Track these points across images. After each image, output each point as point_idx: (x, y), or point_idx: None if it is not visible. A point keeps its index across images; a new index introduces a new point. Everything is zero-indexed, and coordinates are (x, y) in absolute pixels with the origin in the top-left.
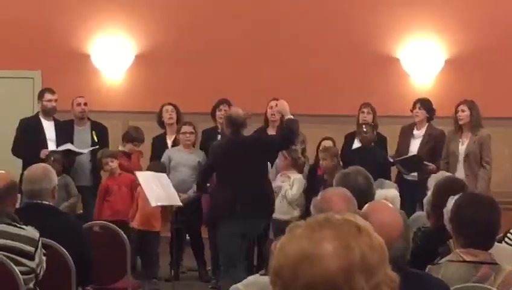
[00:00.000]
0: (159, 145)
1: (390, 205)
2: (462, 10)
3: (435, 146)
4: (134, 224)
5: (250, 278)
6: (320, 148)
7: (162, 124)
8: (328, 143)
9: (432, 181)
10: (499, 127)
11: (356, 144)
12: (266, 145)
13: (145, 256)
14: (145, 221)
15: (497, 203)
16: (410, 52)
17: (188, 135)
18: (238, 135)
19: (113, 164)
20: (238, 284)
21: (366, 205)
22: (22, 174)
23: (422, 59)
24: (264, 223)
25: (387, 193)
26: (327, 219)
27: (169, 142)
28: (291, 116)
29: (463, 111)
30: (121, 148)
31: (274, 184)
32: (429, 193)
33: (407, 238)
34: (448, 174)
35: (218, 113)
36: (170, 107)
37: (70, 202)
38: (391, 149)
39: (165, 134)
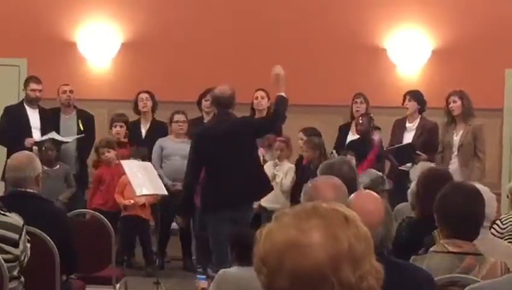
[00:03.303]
0: (133, 131)
1: (375, 194)
2: (449, 1)
3: (429, 138)
4: (123, 212)
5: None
6: (299, 140)
7: (137, 111)
8: (300, 135)
9: (415, 172)
10: (485, 118)
11: (350, 135)
12: (257, 128)
13: (142, 242)
14: (132, 207)
15: (482, 194)
16: (396, 43)
17: (180, 124)
18: (224, 116)
19: (110, 154)
20: (228, 274)
21: (352, 194)
22: (6, 162)
23: (409, 49)
24: (252, 206)
25: None
26: (315, 208)
27: (143, 130)
28: (283, 94)
29: (454, 102)
30: (110, 136)
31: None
32: (413, 184)
33: (387, 226)
34: (430, 164)
35: (204, 103)
36: (145, 95)
37: (71, 192)
38: (388, 140)
39: (139, 121)
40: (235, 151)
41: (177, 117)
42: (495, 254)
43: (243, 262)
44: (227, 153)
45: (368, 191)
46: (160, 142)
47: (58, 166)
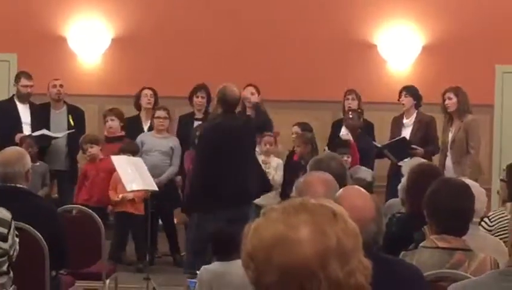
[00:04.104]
0: (133, 127)
1: (363, 190)
2: None
3: (426, 133)
4: (116, 208)
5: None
6: (293, 135)
7: (138, 107)
8: (295, 129)
9: (406, 168)
10: (475, 114)
11: (343, 131)
12: (256, 129)
13: (134, 237)
14: (129, 203)
15: (471, 190)
16: (387, 39)
17: (161, 120)
18: (232, 115)
19: (93, 149)
20: (208, 270)
21: (340, 190)
22: None
23: (400, 45)
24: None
25: None
26: (303, 203)
27: (145, 127)
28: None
29: (450, 98)
30: (106, 133)
31: None
32: (403, 179)
33: (378, 223)
34: (422, 160)
35: (195, 99)
36: (150, 92)
37: (45, 191)
38: (379, 135)
39: (139, 117)
40: (244, 151)
41: (158, 113)
42: (485, 249)
43: (223, 257)
44: (236, 152)
45: (356, 187)
46: (141, 137)
47: (38, 163)
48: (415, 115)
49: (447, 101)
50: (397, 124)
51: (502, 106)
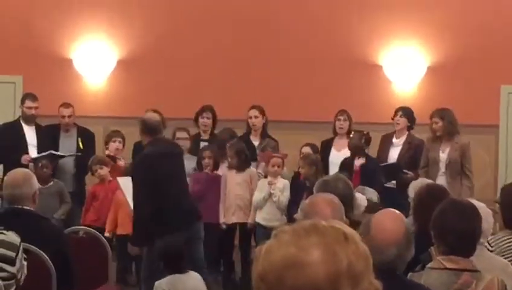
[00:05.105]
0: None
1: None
2: (444, 18)
3: (415, 155)
4: (118, 231)
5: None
6: (300, 155)
7: None
8: (306, 149)
9: (412, 189)
10: (480, 134)
11: (333, 151)
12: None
13: (133, 259)
14: (127, 225)
15: (478, 211)
16: (392, 59)
17: (182, 141)
18: (161, 140)
19: (103, 171)
20: (163, 284)
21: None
22: (2, 179)
23: (405, 66)
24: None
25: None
26: (314, 225)
27: None
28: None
29: (436, 123)
30: (107, 152)
31: (264, 190)
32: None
33: (400, 248)
34: (428, 180)
35: (201, 120)
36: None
37: (65, 208)
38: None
39: None
40: (183, 171)
41: (179, 134)
42: (492, 271)
43: (173, 270)
44: (177, 174)
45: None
46: None
47: (51, 183)
48: (405, 136)
49: (434, 126)
50: (386, 142)
51: (507, 127)
